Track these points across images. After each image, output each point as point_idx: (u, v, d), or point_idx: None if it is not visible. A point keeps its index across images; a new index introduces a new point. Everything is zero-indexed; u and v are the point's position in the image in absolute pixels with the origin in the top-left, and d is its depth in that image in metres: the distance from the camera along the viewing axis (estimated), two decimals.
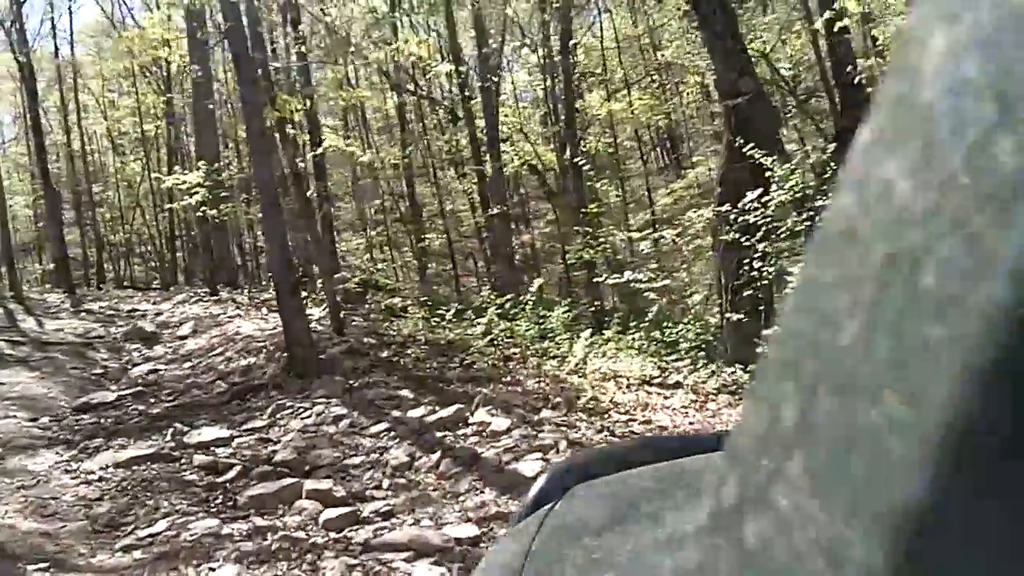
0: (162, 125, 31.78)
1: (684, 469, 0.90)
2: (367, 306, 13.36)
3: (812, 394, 0.35)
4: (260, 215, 11.64)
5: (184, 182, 21.01)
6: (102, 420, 8.62)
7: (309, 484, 6.14)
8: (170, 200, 27.18)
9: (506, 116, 23.04)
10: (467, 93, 20.01)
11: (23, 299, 21.54)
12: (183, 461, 7.00)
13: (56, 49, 32.88)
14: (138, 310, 21.23)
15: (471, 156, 21.31)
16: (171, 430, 7.79)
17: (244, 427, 7.99)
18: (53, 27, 43.06)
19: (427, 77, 25.71)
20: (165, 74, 32.31)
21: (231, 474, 6.60)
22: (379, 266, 22.72)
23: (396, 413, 7.72)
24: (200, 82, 24.54)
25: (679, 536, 0.66)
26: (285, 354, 9.65)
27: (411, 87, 24.40)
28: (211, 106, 25.22)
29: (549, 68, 21.47)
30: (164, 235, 33.10)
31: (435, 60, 26.13)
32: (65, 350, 13.21)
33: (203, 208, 20.52)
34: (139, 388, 10.22)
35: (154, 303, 22.52)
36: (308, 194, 13.18)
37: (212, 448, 7.33)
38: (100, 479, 6.64)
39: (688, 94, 28.89)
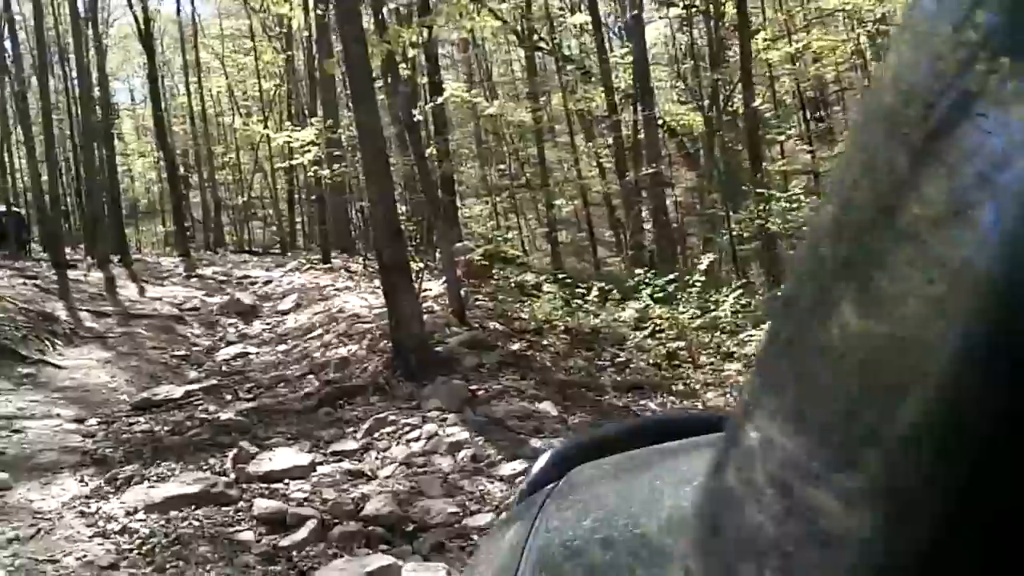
0: (282, 84, 30.59)
1: (685, 450, 0.88)
2: (493, 283, 11.18)
3: (809, 379, 0.36)
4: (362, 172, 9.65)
5: (297, 139, 19.45)
6: (157, 428, 6.74)
7: (411, 569, 4.00)
8: (289, 156, 25.94)
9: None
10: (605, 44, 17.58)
11: (130, 263, 20.43)
12: (240, 507, 4.98)
13: (178, 7, 31.96)
14: (249, 277, 19.84)
15: (607, 114, 19.05)
16: (236, 450, 5.81)
17: (331, 449, 5.94)
18: None
19: (558, 30, 23.47)
20: (285, 31, 31.14)
21: (302, 533, 4.53)
22: (506, 235, 20.51)
23: (536, 442, 5.50)
24: (321, 37, 22.99)
25: (677, 520, 0.64)
26: (391, 344, 7.60)
27: (541, 44, 22.05)
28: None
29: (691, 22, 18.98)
30: (284, 198, 31.96)
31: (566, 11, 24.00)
32: (152, 324, 11.60)
33: (315, 168, 18.93)
34: (217, 379, 8.38)
35: (267, 270, 21.11)
36: (427, 152, 11.08)
37: (283, 483, 5.30)
38: (122, 530, 4.68)
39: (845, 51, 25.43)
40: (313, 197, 32.25)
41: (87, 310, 11.98)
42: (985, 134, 0.30)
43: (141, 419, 7.09)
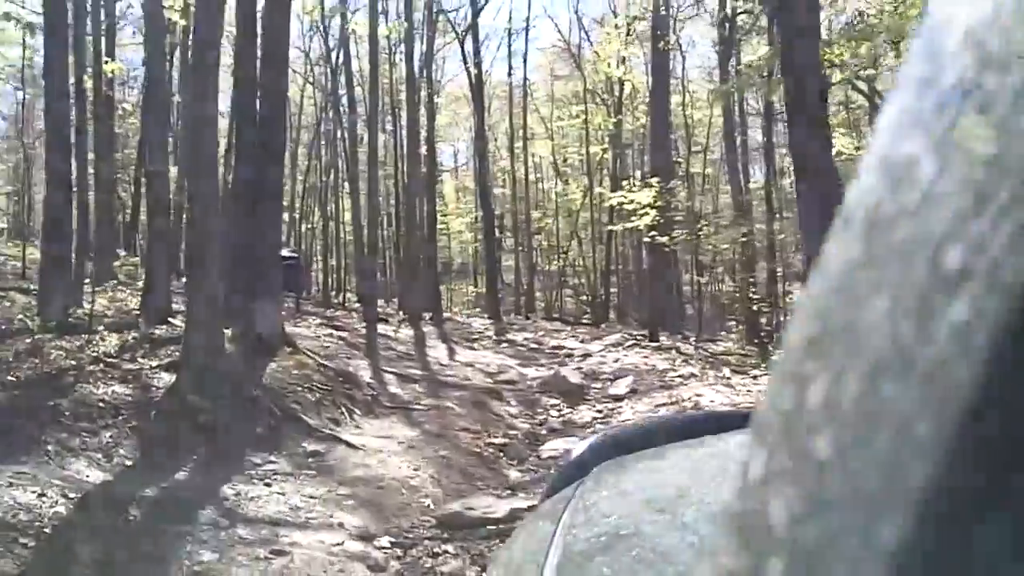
0: (608, 149, 29.19)
1: (711, 447, 0.91)
2: None
3: (837, 373, 0.35)
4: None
5: (631, 201, 17.49)
6: (469, 572, 4.47)
7: None
8: (610, 222, 24.37)
9: None
10: None
11: (442, 321, 19.32)
12: None
13: (509, 69, 31.67)
14: (564, 348, 17.96)
15: None
16: None
17: None
18: (509, 49, 43.42)
19: None
20: (617, 95, 29.86)
21: None
22: None
23: None
24: (658, 97, 21.20)
25: (702, 515, 0.67)
26: None
27: None
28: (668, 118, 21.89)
29: None
30: (599, 268, 30.31)
31: None
32: (463, 397, 9.68)
33: (652, 233, 16.80)
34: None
35: (582, 341, 19.18)
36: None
37: None
38: None
39: None
40: (630, 269, 30.43)
41: (393, 372, 10.35)
42: None
43: (449, 548, 4.87)
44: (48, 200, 9.88)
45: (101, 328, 8.70)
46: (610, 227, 23.88)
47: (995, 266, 0.28)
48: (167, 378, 7.14)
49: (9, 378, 6.68)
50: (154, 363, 7.52)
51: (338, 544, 4.75)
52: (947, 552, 0.29)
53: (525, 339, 20.20)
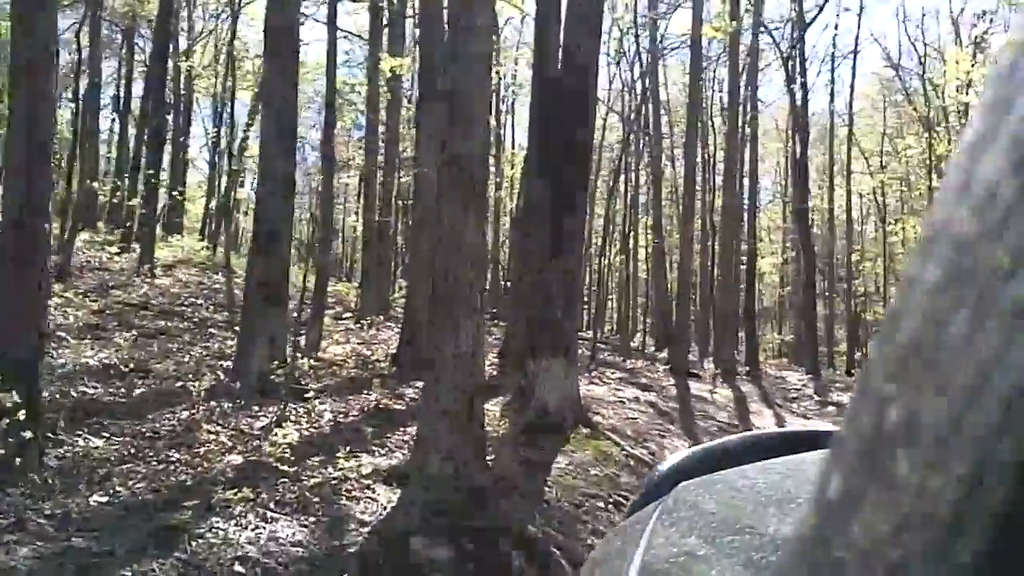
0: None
1: (789, 467, 0.91)
2: None
3: (917, 394, 0.36)
4: None
5: None
6: None
7: None
8: None
9: None
10: None
11: (759, 377, 16.85)
12: None
13: (832, 97, 28.57)
14: None
15: None
16: None
17: None
18: (832, 74, 39.99)
19: None
20: (959, 123, 25.88)
21: None
22: None
23: None
24: None
25: (780, 536, 0.70)
26: None
27: None
28: None
29: None
30: None
31: None
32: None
33: None
34: None
35: None
36: None
37: None
38: None
39: None
40: None
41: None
42: None
43: None
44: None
45: (312, 388, 7.12)
46: None
47: None
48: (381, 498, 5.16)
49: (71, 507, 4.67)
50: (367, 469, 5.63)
51: None
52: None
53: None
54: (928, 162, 24.35)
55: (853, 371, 22.92)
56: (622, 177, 28.16)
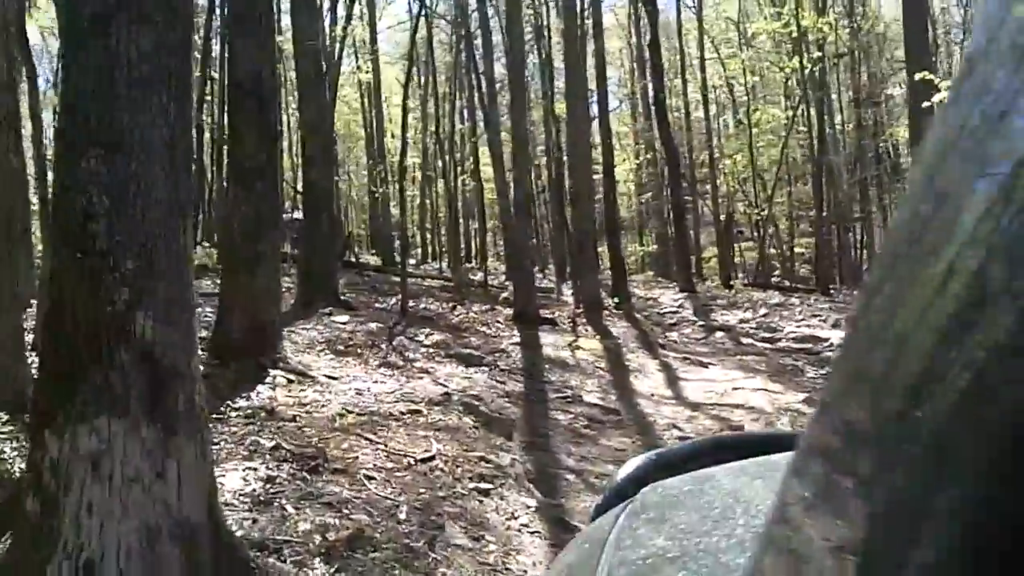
0: (822, 61, 22.40)
1: (759, 467, 0.90)
2: None
3: (877, 398, 0.37)
4: None
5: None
6: None
7: None
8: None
9: None
10: None
11: (631, 310, 13.56)
12: None
13: None
14: (819, 338, 12.07)
15: None
16: None
17: None
18: None
19: None
20: None
21: None
22: None
23: None
24: None
25: (748, 537, 0.68)
26: None
27: None
28: None
29: None
30: (803, 215, 23.84)
31: None
32: None
33: None
34: None
35: (834, 325, 13.18)
36: None
37: None
38: None
39: None
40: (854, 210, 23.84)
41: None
42: None
43: None
44: None
45: None
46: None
47: None
48: None
49: None
50: None
51: None
52: (985, 570, 0.29)
53: (743, 323, 14.29)
54: (794, 36, 21.25)
55: (732, 283, 20.02)
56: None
